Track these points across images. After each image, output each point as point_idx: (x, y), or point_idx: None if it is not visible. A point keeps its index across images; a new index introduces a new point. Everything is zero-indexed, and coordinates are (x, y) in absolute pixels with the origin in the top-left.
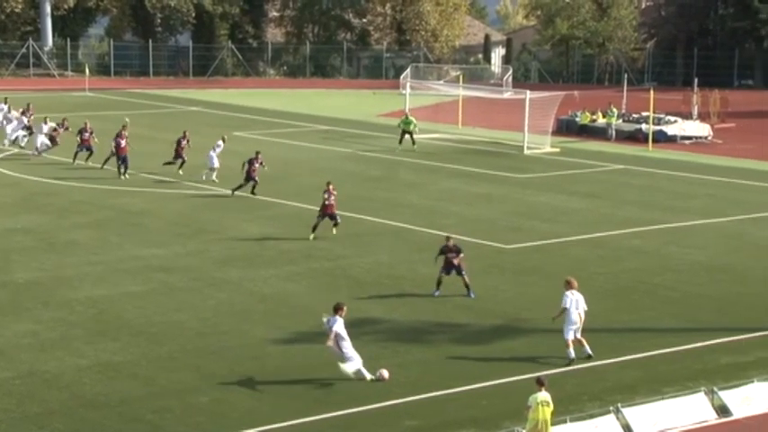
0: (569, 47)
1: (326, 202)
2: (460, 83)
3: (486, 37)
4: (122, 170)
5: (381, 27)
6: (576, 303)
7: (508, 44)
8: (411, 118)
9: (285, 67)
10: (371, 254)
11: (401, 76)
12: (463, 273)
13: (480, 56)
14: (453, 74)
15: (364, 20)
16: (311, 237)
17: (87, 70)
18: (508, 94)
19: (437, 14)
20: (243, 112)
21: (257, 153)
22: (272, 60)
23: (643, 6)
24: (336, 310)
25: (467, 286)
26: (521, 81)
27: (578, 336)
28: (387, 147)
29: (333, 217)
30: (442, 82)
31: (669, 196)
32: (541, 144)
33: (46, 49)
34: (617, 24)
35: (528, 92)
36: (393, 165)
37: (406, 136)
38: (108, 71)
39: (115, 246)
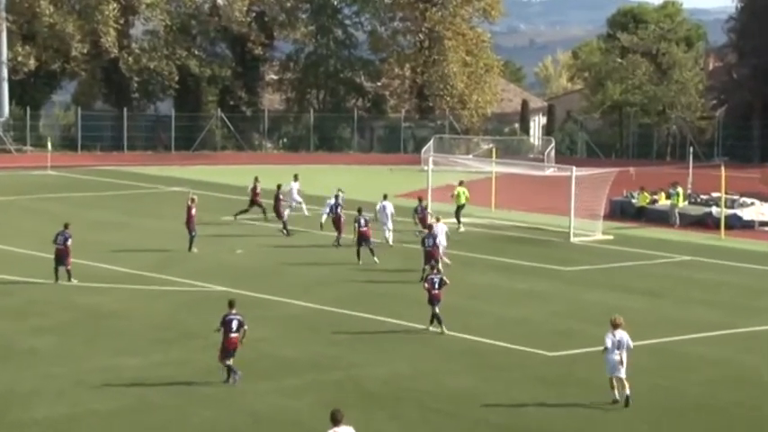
0: (623, 115)
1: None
2: (493, 157)
3: (524, 103)
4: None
5: (399, 92)
6: (616, 344)
7: (550, 111)
8: (460, 189)
9: (285, 140)
10: (389, 362)
11: (422, 150)
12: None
13: (517, 125)
14: (485, 147)
15: (378, 83)
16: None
17: (50, 145)
18: (550, 171)
19: (465, 77)
20: (235, 192)
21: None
22: (270, 131)
23: (711, 68)
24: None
25: (229, 372)
26: (565, 155)
27: (621, 375)
28: (406, 232)
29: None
30: (471, 156)
31: (745, 294)
32: (591, 230)
33: (1, 120)
34: (680, 89)
35: (574, 168)
36: (414, 255)
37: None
38: (74, 145)
39: (81, 355)
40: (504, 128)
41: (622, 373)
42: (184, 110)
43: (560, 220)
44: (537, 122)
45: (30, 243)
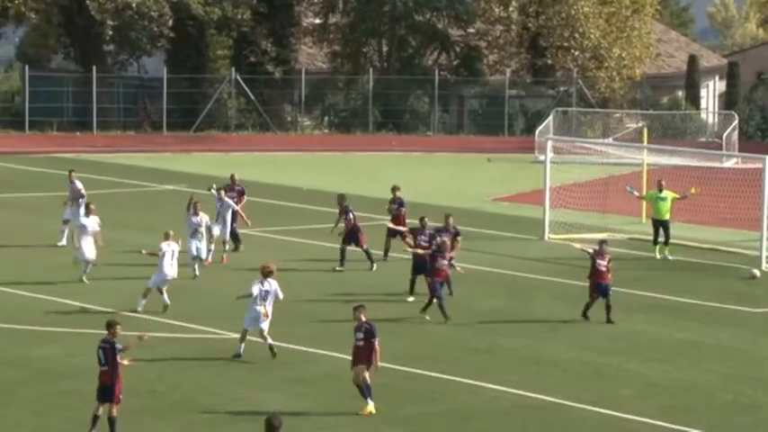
0: None
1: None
2: (645, 141)
3: (692, 60)
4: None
5: (502, 44)
6: (263, 295)
7: (731, 73)
8: (667, 192)
9: (332, 116)
10: None
11: (537, 130)
12: None
13: (681, 94)
14: (632, 126)
15: (471, 30)
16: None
17: None
18: (732, 162)
19: (602, 21)
20: (256, 193)
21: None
22: (309, 103)
23: None
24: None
25: None
26: (755, 139)
27: (264, 327)
28: (507, 253)
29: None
30: (610, 140)
31: None
32: None
33: None
34: None
35: None
36: (525, 288)
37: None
38: (20, 122)
39: None
40: (661, 97)
41: (265, 326)
42: (182, 70)
43: (747, 237)
44: (711, 89)
45: None
